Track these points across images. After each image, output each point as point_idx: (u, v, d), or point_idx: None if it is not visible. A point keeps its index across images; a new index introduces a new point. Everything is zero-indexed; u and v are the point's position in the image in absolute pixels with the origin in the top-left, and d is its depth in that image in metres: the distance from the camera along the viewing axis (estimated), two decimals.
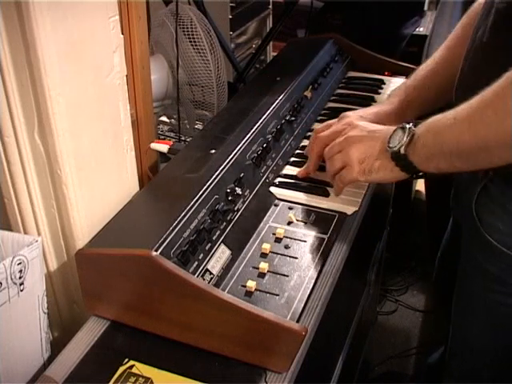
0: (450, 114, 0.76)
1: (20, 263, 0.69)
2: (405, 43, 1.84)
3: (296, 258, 0.80)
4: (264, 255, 0.81)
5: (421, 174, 0.82)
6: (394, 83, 1.31)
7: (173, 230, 0.73)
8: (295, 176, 0.97)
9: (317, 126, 1.11)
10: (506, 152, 0.72)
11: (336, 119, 0.98)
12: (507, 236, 0.84)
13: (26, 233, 0.77)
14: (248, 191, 0.88)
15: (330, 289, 0.78)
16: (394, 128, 0.83)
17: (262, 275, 0.77)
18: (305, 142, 1.07)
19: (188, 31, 1.25)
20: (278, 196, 0.93)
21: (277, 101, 1.07)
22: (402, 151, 0.80)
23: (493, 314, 0.94)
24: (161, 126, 1.55)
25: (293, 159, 1.02)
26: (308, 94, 1.16)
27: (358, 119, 0.94)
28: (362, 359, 1.48)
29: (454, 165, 0.77)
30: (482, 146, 0.73)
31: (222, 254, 0.78)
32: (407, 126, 0.80)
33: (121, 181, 0.86)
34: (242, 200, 0.86)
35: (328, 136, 0.94)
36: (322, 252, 0.82)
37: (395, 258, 1.96)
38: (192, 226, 0.75)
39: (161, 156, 1.09)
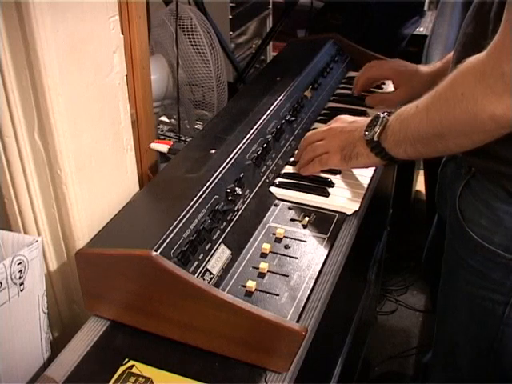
0: (415, 103, 0.83)
1: (20, 263, 0.69)
2: (405, 43, 1.84)
3: (296, 257, 0.80)
4: (264, 255, 0.81)
5: (396, 160, 0.89)
6: None
7: (173, 230, 0.73)
8: (295, 176, 0.98)
9: (316, 125, 1.12)
10: (459, 139, 0.78)
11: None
12: (487, 230, 0.87)
13: (26, 233, 0.78)
14: (248, 191, 0.88)
15: (330, 289, 0.78)
16: (370, 118, 0.90)
17: (261, 275, 0.77)
18: None
19: (188, 31, 1.25)
20: (278, 196, 0.93)
21: (277, 101, 1.07)
22: (375, 138, 0.87)
23: (475, 308, 0.95)
24: (161, 126, 1.54)
25: (293, 159, 1.02)
26: (308, 94, 1.16)
27: (343, 115, 1.00)
28: (361, 359, 1.48)
29: (418, 150, 0.84)
30: (438, 133, 0.79)
31: (221, 254, 0.78)
32: (381, 115, 0.87)
33: (121, 181, 0.86)
34: (242, 200, 0.86)
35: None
36: (322, 252, 0.82)
37: (395, 257, 1.96)
38: (192, 226, 0.75)
39: (161, 156, 1.09)
